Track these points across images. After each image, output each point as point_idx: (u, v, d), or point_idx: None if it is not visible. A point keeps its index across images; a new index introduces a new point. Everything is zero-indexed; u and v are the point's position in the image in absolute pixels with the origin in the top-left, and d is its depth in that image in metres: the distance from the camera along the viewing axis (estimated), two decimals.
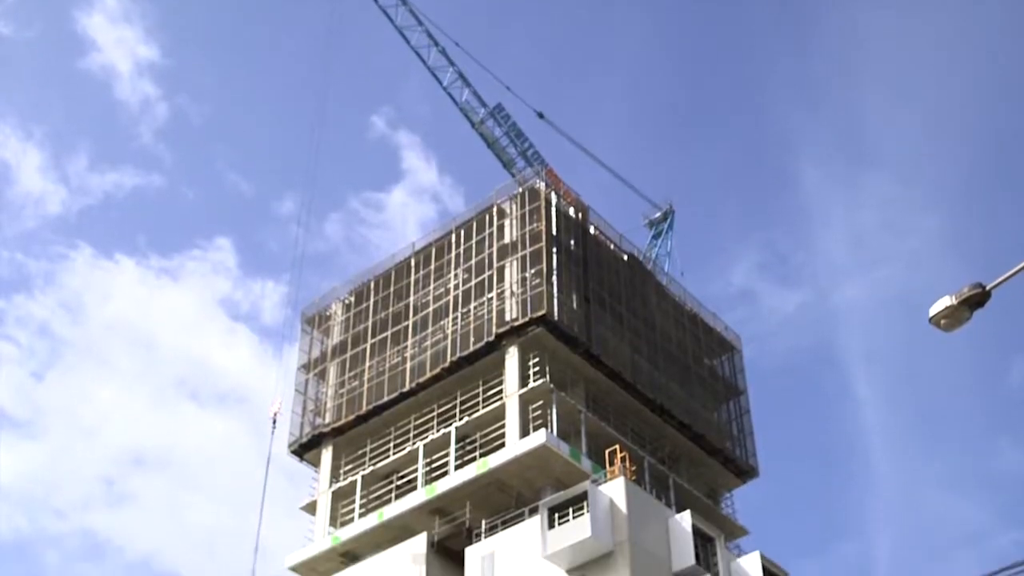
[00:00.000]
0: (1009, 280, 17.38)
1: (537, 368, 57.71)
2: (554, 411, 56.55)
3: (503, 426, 57.25)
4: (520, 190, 64.03)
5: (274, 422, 68.46)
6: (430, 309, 63.66)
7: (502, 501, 56.32)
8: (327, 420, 65.27)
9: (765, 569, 54.27)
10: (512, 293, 59.93)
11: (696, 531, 52.45)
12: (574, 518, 50.64)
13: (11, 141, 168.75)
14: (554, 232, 61.36)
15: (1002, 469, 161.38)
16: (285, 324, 76.74)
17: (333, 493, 62.83)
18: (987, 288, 17.22)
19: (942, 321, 17.59)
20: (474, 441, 58.26)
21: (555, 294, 58.53)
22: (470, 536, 55.31)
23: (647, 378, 62.01)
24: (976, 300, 17.33)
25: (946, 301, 17.60)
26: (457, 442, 58.58)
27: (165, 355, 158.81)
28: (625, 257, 67.76)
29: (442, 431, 59.45)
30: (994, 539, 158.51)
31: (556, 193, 65.36)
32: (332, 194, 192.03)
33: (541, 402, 56.91)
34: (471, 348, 59.74)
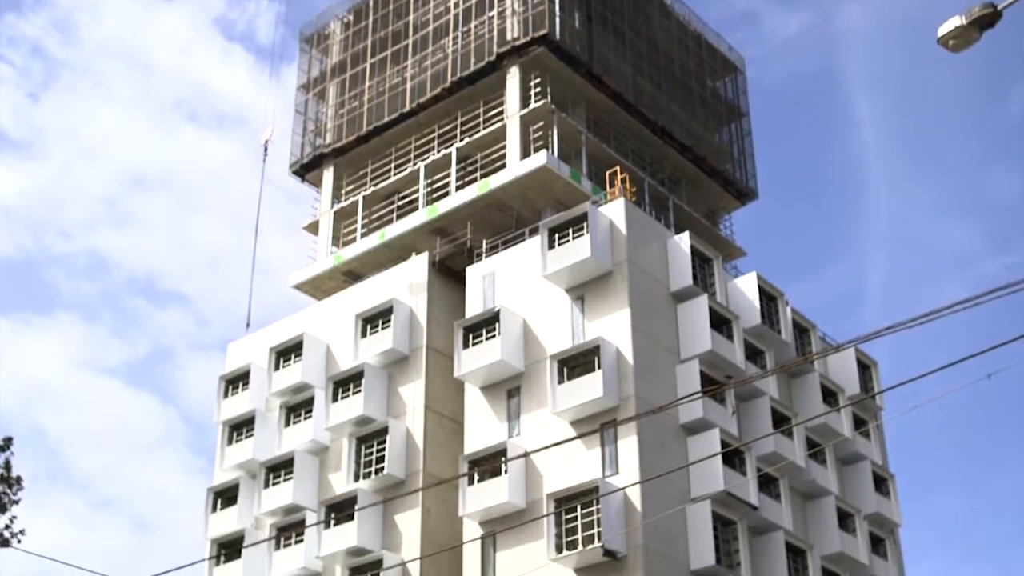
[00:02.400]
0: (1020, 1, 16.66)
1: (538, 89, 57.49)
2: (555, 132, 56.61)
3: (504, 147, 57.43)
4: None
5: (265, 149, 68.52)
6: (430, 28, 62.88)
7: (503, 222, 56.93)
8: (328, 141, 65.41)
9: (761, 289, 55.29)
10: (513, 12, 59.13)
11: (694, 252, 53.17)
12: (574, 238, 51.29)
13: None
14: None
15: (996, 195, 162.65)
16: (280, 44, 75.33)
17: (335, 213, 63.48)
18: (998, 8, 16.38)
19: (951, 42, 16.92)
20: (475, 162, 58.55)
21: (557, 13, 57.77)
22: (471, 256, 56.12)
23: (649, 99, 61.77)
24: (986, 20, 16.48)
25: (956, 21, 16.75)
26: (458, 163, 58.85)
27: (162, 76, 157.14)
28: None
29: (443, 152, 59.64)
30: (984, 263, 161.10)
31: None
32: None
33: (542, 123, 56.92)
34: (472, 68, 59.39)
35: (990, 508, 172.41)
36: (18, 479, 29.16)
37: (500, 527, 48.51)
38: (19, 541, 28.62)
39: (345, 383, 55.12)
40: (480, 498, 49.11)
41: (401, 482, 52.14)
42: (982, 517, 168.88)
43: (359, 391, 54.35)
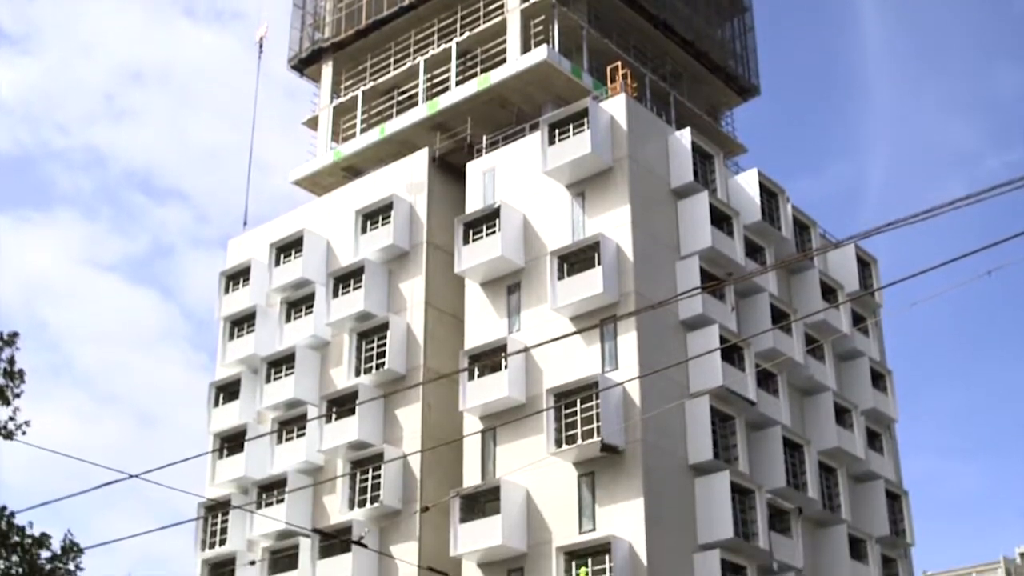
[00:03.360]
0: None
1: None
2: (555, 26, 56.36)
3: (504, 41, 57.26)
4: None
5: (260, 46, 68.21)
6: None
7: (503, 117, 56.87)
8: (326, 35, 65.13)
9: (762, 186, 55.34)
10: None
11: (695, 148, 53.17)
12: (574, 134, 51.25)
13: None
14: None
15: (998, 93, 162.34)
16: None
17: (334, 108, 63.36)
18: None
19: None
20: (475, 56, 58.35)
21: None
22: (471, 151, 56.17)
23: None
24: None
25: None
26: (458, 57, 58.67)
27: None
28: None
29: (443, 46, 59.43)
30: (985, 161, 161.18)
31: None
32: None
33: (543, 17, 56.65)
34: None
35: (987, 402, 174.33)
36: (20, 372, 29.16)
37: (500, 422, 49.03)
38: (23, 433, 28.77)
39: (345, 279, 55.38)
40: (480, 393, 49.59)
41: (402, 377, 52.65)
42: (979, 411, 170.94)
43: (359, 287, 54.63)
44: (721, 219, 51.97)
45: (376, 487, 50.86)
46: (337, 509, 51.72)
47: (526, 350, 48.08)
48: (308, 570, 51.41)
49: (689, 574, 45.87)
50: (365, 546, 47.71)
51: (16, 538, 28.13)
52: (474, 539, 47.35)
